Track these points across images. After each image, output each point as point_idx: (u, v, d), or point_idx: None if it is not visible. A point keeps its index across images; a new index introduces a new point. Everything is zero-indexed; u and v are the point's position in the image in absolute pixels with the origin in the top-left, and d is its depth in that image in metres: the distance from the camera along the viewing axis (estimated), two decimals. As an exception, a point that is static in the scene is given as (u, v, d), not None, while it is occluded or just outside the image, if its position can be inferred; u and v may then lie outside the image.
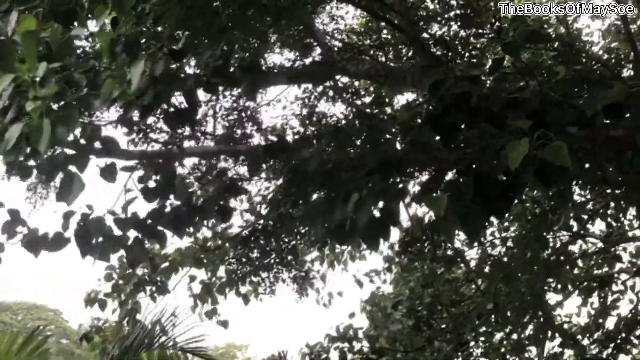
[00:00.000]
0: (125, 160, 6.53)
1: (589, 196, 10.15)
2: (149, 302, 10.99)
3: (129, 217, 5.79)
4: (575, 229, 10.79)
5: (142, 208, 5.97)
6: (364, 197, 4.65)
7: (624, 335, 10.84)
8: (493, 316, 10.68)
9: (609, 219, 10.73)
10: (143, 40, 5.56)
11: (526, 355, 10.84)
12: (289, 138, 9.37)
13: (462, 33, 9.60)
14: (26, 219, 5.70)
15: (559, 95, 5.23)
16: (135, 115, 6.54)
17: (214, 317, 11.65)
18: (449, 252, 10.69)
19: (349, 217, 4.71)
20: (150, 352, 9.58)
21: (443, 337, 10.77)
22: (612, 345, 10.81)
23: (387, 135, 5.54)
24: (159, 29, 6.32)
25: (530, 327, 10.69)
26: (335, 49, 10.00)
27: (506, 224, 10.83)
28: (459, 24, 9.49)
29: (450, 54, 9.05)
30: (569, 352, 10.99)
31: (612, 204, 10.28)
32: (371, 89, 10.95)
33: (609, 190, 9.29)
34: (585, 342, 11.10)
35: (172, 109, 5.87)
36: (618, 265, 11.44)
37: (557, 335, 10.72)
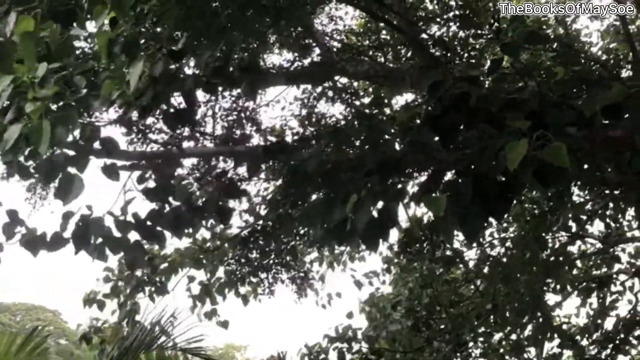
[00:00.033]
0: (125, 161, 6.54)
1: (587, 197, 10.15)
2: (148, 303, 10.99)
3: (128, 218, 5.79)
4: (574, 229, 10.79)
5: (141, 208, 5.98)
6: (363, 197, 4.66)
7: (622, 335, 10.84)
8: (492, 317, 10.68)
9: (607, 220, 10.73)
10: (142, 41, 5.57)
11: (525, 355, 10.84)
12: (288, 139, 9.37)
13: (461, 34, 9.61)
14: (25, 219, 5.71)
15: (558, 95, 5.24)
16: (135, 115, 6.55)
17: (213, 317, 11.65)
18: (448, 253, 10.69)
19: (348, 218, 4.71)
20: (149, 353, 9.57)
21: (442, 337, 10.77)
22: (610, 345, 10.81)
23: (386, 136, 5.54)
24: (158, 29, 6.32)
25: (529, 327, 10.69)
26: (334, 49, 10.00)
27: (505, 224, 10.83)
28: (458, 24, 9.49)
29: (449, 54, 9.05)
30: (567, 353, 11.00)
31: (611, 205, 10.28)
32: (370, 89, 10.95)
33: (607, 191, 9.30)
34: (584, 342, 11.11)
35: (171, 110, 5.88)
36: (617, 266, 11.45)
37: (556, 335, 10.72)
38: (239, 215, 10.95)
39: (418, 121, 5.72)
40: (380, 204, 4.73)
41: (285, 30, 8.50)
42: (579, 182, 8.36)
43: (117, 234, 5.64)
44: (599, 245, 11.36)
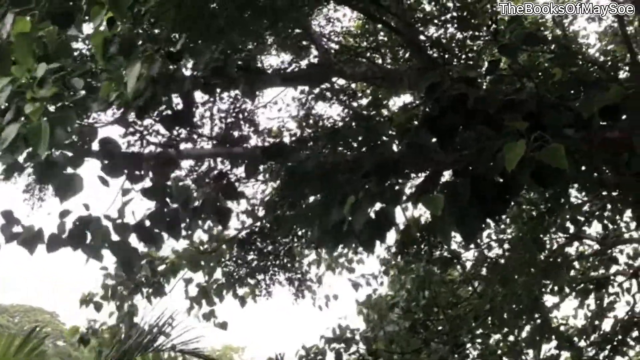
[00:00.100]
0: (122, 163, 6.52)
1: (585, 198, 10.16)
2: (146, 305, 10.99)
3: (126, 221, 5.77)
4: (571, 231, 10.80)
5: (138, 209, 5.96)
6: (361, 199, 4.66)
7: (620, 337, 10.85)
8: (490, 318, 10.68)
9: (605, 221, 10.74)
10: (140, 42, 5.56)
11: (523, 357, 10.84)
12: (286, 140, 9.37)
13: (459, 35, 9.61)
14: (21, 219, 5.70)
15: (556, 97, 5.24)
16: (132, 117, 6.54)
17: (211, 319, 11.64)
18: (446, 254, 10.69)
19: (345, 219, 4.71)
20: (146, 355, 9.56)
21: (439, 338, 10.76)
22: (608, 347, 10.81)
23: (384, 137, 5.54)
24: (156, 31, 6.32)
25: (527, 329, 10.69)
26: (332, 51, 10.01)
27: (503, 226, 10.83)
28: (455, 26, 9.50)
29: (446, 56, 9.06)
30: (565, 354, 11.00)
31: (609, 206, 10.29)
32: (368, 91, 10.96)
33: (605, 192, 9.30)
34: (582, 344, 11.11)
35: (169, 112, 5.87)
36: (614, 267, 11.45)
37: (553, 337, 10.73)
38: (236, 217, 10.97)
39: (416, 122, 5.72)
40: (377, 206, 4.73)
41: (283, 31, 8.50)
42: (576, 184, 8.35)
43: (115, 236, 5.63)
44: (596, 246, 11.37)
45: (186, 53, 5.89)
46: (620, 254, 11.50)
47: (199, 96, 8.32)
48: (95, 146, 5.53)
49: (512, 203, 9.09)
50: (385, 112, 10.49)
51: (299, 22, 8.46)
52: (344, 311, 12.03)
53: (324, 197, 5.20)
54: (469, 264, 11.22)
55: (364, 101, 10.86)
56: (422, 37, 9.28)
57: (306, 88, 10.57)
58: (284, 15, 7.03)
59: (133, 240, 5.80)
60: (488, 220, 4.81)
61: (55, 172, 5.06)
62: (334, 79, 10.23)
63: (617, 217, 10.77)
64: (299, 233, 10.66)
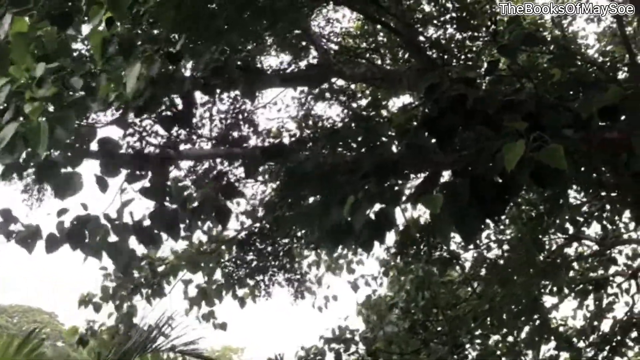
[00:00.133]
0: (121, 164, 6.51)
1: (584, 199, 10.16)
2: (145, 306, 10.99)
3: (125, 221, 5.77)
4: (571, 231, 10.80)
5: (137, 209, 5.96)
6: (360, 199, 4.66)
7: (619, 337, 10.85)
8: (489, 319, 10.68)
9: (604, 222, 10.74)
10: (139, 43, 5.56)
11: (522, 358, 10.84)
12: (285, 140, 9.36)
13: (458, 36, 9.61)
14: (19, 219, 5.71)
15: (555, 97, 5.25)
16: (131, 118, 6.54)
17: (211, 319, 11.64)
18: (445, 255, 10.69)
19: (344, 220, 4.71)
20: (145, 356, 9.56)
21: (439, 339, 10.76)
22: (607, 347, 10.81)
23: (383, 138, 5.55)
24: (155, 32, 6.31)
25: (526, 329, 10.69)
26: (332, 51, 10.00)
27: (502, 227, 10.83)
28: (454, 27, 9.49)
29: (446, 56, 9.05)
30: (564, 355, 11.01)
31: (608, 207, 10.29)
32: (367, 91, 10.96)
33: (604, 193, 9.31)
34: (581, 344, 11.12)
35: (168, 112, 5.87)
36: (613, 268, 11.46)
37: (552, 337, 10.73)
38: (235, 218, 10.97)
39: (415, 123, 5.73)
40: (377, 207, 4.74)
41: (282, 32, 8.50)
42: (575, 184, 8.36)
43: (113, 237, 5.62)
44: (595, 247, 11.37)
45: (186, 53, 5.89)
46: (619, 255, 11.52)
47: (198, 97, 8.32)
48: (94, 146, 5.53)
49: (512, 204, 9.10)
50: (384, 112, 10.49)
51: (298, 23, 8.45)
52: (344, 312, 12.04)
53: (324, 197, 5.20)
54: (468, 265, 11.23)
55: (364, 102, 10.86)
56: (421, 38, 9.28)
57: (305, 89, 10.57)
58: (283, 15, 7.03)
59: (131, 241, 5.80)
60: (487, 220, 4.81)
61: (54, 172, 5.06)
62: (333, 80, 10.23)
63: (616, 217, 10.78)
64: (299, 234, 10.66)
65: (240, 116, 9.80)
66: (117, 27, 5.09)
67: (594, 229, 11.06)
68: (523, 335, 10.79)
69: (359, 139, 5.69)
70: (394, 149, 5.45)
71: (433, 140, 5.05)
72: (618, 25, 8.91)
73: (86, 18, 4.96)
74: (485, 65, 7.19)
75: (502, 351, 10.98)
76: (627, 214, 10.42)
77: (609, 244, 11.11)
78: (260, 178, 10.12)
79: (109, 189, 5.79)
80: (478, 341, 10.91)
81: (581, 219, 10.63)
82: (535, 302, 10.35)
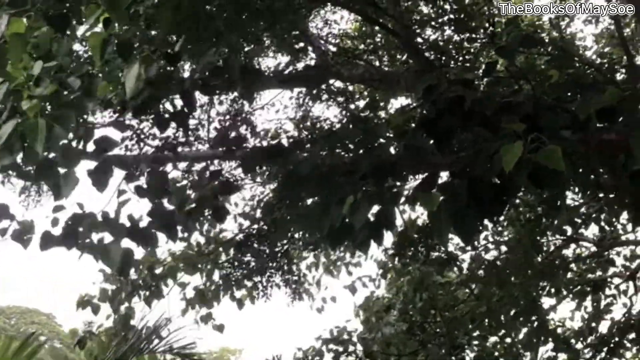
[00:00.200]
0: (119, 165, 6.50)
1: (582, 200, 10.17)
2: (143, 307, 10.97)
3: (121, 222, 5.75)
4: (568, 233, 10.81)
5: (136, 211, 5.95)
6: (359, 200, 4.66)
7: (617, 339, 10.86)
8: (487, 320, 10.68)
9: (602, 223, 10.75)
10: (137, 44, 5.56)
11: (520, 359, 10.84)
12: (284, 142, 9.36)
13: (456, 37, 9.61)
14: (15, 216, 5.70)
15: (553, 99, 5.25)
16: (129, 118, 6.53)
17: (209, 321, 11.63)
18: (443, 256, 10.69)
19: (343, 220, 4.71)
20: (142, 357, 9.55)
21: (436, 340, 10.76)
22: (605, 349, 10.82)
23: (381, 139, 5.55)
24: (153, 32, 6.31)
25: (524, 331, 10.69)
26: (330, 53, 10.01)
27: (500, 228, 10.84)
28: (452, 28, 9.50)
29: (444, 58, 9.06)
30: (562, 356, 11.01)
31: (606, 208, 10.30)
32: (365, 93, 10.96)
33: (602, 194, 9.31)
34: (579, 346, 11.12)
35: (166, 113, 5.86)
36: (611, 269, 11.46)
37: (550, 339, 10.73)
38: (233, 219, 10.97)
39: (413, 124, 5.72)
40: (375, 208, 4.74)
41: (280, 33, 8.50)
42: (573, 186, 8.36)
43: (108, 237, 5.60)
44: (593, 248, 11.38)
45: (185, 54, 5.89)
46: (617, 256, 11.52)
47: (197, 97, 8.32)
48: (90, 147, 5.50)
49: (510, 205, 9.11)
50: (382, 114, 10.49)
51: (296, 24, 8.45)
52: (342, 314, 12.03)
53: (322, 199, 5.19)
54: (465, 266, 11.23)
55: (361, 103, 10.87)
56: (419, 40, 9.29)
57: (303, 90, 10.57)
58: (281, 17, 7.04)
59: (129, 242, 5.78)
60: (485, 221, 4.82)
61: (52, 172, 5.05)
62: (331, 81, 10.23)
63: (614, 219, 10.79)
64: (297, 235, 10.66)
65: (238, 117, 9.81)
66: (114, 27, 5.08)
67: (592, 231, 11.09)
68: (521, 336, 10.80)
69: (357, 140, 5.68)
70: (392, 150, 5.45)
71: (431, 142, 5.05)
72: (616, 26, 8.93)
73: (83, 20, 4.95)
74: (483, 66, 7.20)
75: (500, 352, 10.98)
76: (625, 215, 10.43)
77: (607, 246, 11.12)
78: (258, 179, 10.13)
79: (107, 190, 5.79)
80: (476, 342, 10.91)
81: (579, 221, 10.64)
82: (533, 303, 10.36)
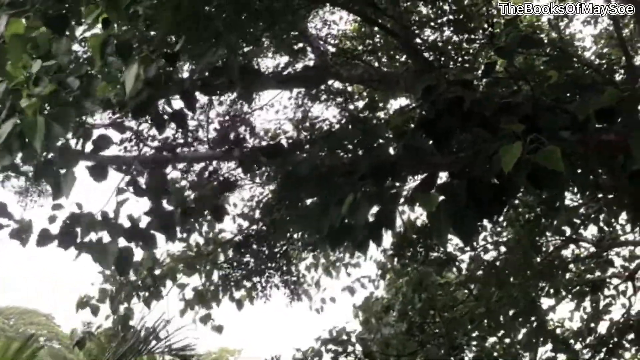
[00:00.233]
0: (117, 166, 6.50)
1: (581, 201, 10.17)
2: (143, 308, 10.96)
3: (120, 222, 5.74)
4: (567, 233, 10.81)
5: (133, 211, 5.94)
6: (359, 199, 4.66)
7: (616, 339, 10.85)
8: (486, 321, 10.68)
9: (601, 224, 10.75)
10: (136, 45, 5.55)
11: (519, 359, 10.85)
12: (283, 142, 9.37)
13: (455, 38, 9.62)
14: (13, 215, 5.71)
15: (552, 100, 5.25)
16: (128, 120, 6.53)
17: (208, 322, 11.62)
18: (442, 256, 10.70)
19: (342, 221, 4.71)
20: (140, 358, 9.55)
21: (435, 341, 10.76)
22: (604, 349, 10.82)
23: (381, 140, 5.55)
24: (152, 33, 6.31)
25: (523, 331, 10.69)
26: (329, 53, 10.01)
27: (499, 229, 10.85)
28: (451, 29, 9.50)
29: (443, 58, 9.07)
30: (561, 357, 11.01)
31: (605, 209, 10.30)
32: (364, 93, 10.96)
33: (601, 195, 9.32)
34: (578, 346, 11.12)
35: (165, 114, 5.86)
36: (610, 270, 11.47)
37: (549, 339, 10.73)
38: (232, 220, 10.97)
39: (412, 125, 5.72)
40: (375, 209, 4.74)
41: (279, 34, 8.51)
42: (572, 186, 8.37)
43: (107, 238, 5.60)
44: (592, 249, 11.38)
45: (184, 55, 5.89)
46: (617, 257, 11.54)
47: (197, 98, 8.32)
48: (88, 148, 5.50)
49: (509, 206, 9.11)
50: (381, 114, 10.51)
51: (295, 25, 8.46)
52: (341, 314, 12.03)
53: (321, 199, 5.19)
54: (464, 266, 11.23)
55: (361, 104, 10.88)
56: (418, 40, 9.29)
57: (302, 90, 10.58)
58: (280, 17, 7.04)
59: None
60: (485, 222, 4.82)
61: (51, 172, 5.05)
62: (330, 82, 10.23)
63: (613, 219, 10.79)
64: (296, 236, 10.66)
65: (237, 118, 9.81)
66: (113, 28, 5.08)
67: (591, 231, 11.09)
68: (520, 337, 10.79)
69: (356, 140, 5.69)
70: (391, 150, 5.45)
71: (430, 142, 5.05)
72: (615, 27, 8.94)
73: (82, 20, 4.95)
74: (482, 67, 7.20)
75: (499, 353, 10.98)
76: (623, 215, 10.43)
77: (606, 246, 11.12)
78: (257, 180, 10.13)
79: (105, 191, 5.79)
80: (475, 343, 10.91)
81: (578, 221, 10.64)
82: (532, 303, 10.35)
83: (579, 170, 5.86)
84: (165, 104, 5.78)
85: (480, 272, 10.81)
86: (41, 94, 4.53)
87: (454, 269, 11.32)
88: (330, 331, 11.17)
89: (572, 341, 11.15)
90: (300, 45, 9.91)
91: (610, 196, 9.07)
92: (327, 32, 10.67)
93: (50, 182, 5.01)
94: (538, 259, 10.38)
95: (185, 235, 9.34)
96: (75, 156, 5.09)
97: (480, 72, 6.80)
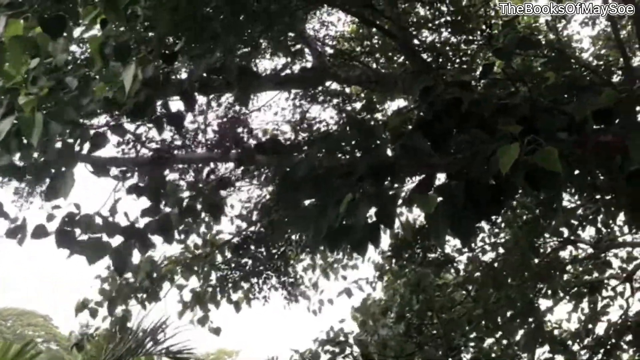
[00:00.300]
0: (116, 167, 6.50)
1: (579, 202, 10.18)
2: (140, 309, 10.95)
3: (117, 221, 5.75)
4: (565, 234, 10.81)
5: (132, 211, 5.94)
6: (357, 200, 4.66)
7: (614, 340, 10.85)
8: (483, 322, 10.68)
9: (599, 225, 10.75)
10: (134, 46, 5.56)
11: (517, 360, 10.86)
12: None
13: (453, 39, 9.63)
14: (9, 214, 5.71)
15: (549, 101, 5.25)
16: (127, 121, 6.52)
17: (206, 323, 11.61)
18: (440, 257, 10.70)
19: (340, 222, 4.71)
20: (138, 359, 9.55)
21: (433, 342, 10.76)
22: (602, 350, 10.81)
23: (378, 141, 5.55)
24: (150, 34, 6.31)
25: (521, 332, 10.69)
26: (326, 55, 10.01)
27: (497, 230, 10.85)
28: (449, 30, 9.51)
29: (440, 60, 9.07)
30: (559, 358, 11.01)
31: (602, 210, 10.31)
32: (362, 94, 10.97)
33: (598, 196, 9.32)
34: (576, 347, 11.11)
35: (163, 116, 5.86)
36: (608, 271, 11.47)
37: (547, 341, 10.73)
38: (230, 221, 10.96)
39: (410, 126, 5.72)
40: (373, 210, 4.74)
41: (277, 35, 8.51)
42: (570, 187, 8.38)
43: (105, 237, 5.59)
44: (590, 250, 11.38)
45: (183, 56, 5.89)
46: (614, 258, 11.55)
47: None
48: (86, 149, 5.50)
49: (506, 207, 9.11)
50: (379, 115, 10.51)
51: (293, 26, 8.46)
52: (339, 315, 12.02)
53: (319, 201, 5.19)
54: (462, 267, 11.24)
55: (358, 105, 10.88)
56: (416, 41, 9.30)
57: (300, 92, 10.58)
58: (278, 19, 7.04)
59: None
60: (482, 223, 4.83)
61: (49, 172, 5.04)
62: (328, 83, 10.24)
63: (611, 221, 10.79)
64: (293, 237, 10.66)
65: (235, 119, 9.81)
66: (111, 28, 5.08)
67: (589, 232, 11.08)
68: (518, 338, 10.79)
69: (354, 142, 5.69)
70: (389, 152, 5.45)
71: (428, 143, 5.06)
72: (612, 28, 8.94)
73: (80, 21, 4.95)
74: (480, 68, 7.21)
75: (497, 354, 10.98)
76: (621, 217, 10.43)
77: (604, 247, 11.13)
78: (255, 182, 10.13)
79: (103, 191, 5.79)
80: (473, 344, 10.91)
81: (576, 222, 10.64)
82: (530, 305, 10.35)
83: (577, 172, 5.87)
84: (162, 106, 5.77)
85: (478, 274, 10.81)
86: (39, 94, 4.53)
87: (452, 270, 11.32)
88: (328, 332, 11.16)
89: (569, 342, 11.15)
90: (298, 46, 9.91)
91: (608, 197, 9.07)
92: (325, 33, 10.68)
93: (53, 179, 5.00)
94: (536, 260, 10.38)
95: (183, 237, 9.33)
96: (74, 157, 5.09)
97: (478, 73, 6.80)
